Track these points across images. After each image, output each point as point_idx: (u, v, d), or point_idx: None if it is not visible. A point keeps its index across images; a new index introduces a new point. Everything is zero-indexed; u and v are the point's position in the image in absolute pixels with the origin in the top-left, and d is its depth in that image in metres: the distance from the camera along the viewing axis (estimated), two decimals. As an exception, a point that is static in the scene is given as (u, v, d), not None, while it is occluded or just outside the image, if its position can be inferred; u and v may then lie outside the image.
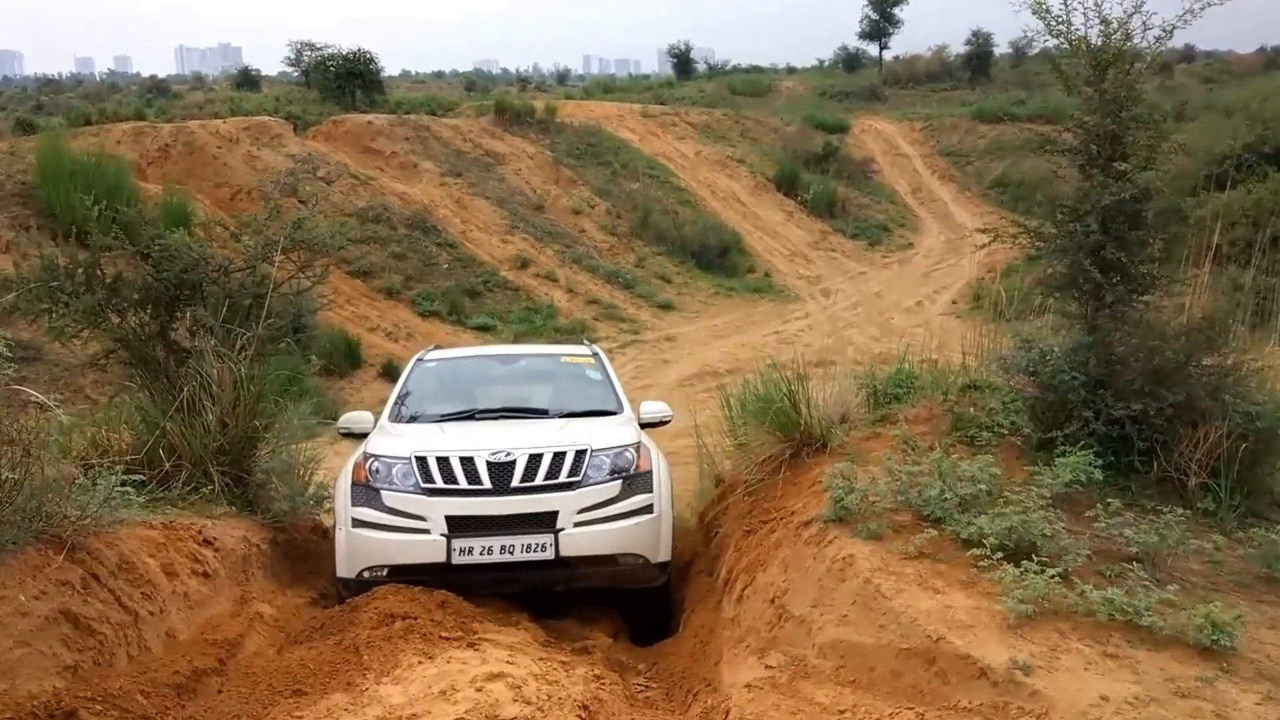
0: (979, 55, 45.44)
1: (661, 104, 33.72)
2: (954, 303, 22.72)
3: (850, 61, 51.28)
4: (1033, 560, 3.94)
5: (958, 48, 46.95)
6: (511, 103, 28.16)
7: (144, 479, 5.84)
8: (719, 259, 23.16)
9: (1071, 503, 4.55)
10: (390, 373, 17.00)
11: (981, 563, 4.09)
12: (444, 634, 4.81)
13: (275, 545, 6.01)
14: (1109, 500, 4.42)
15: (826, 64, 55.89)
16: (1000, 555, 4.08)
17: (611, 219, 23.81)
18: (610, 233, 23.38)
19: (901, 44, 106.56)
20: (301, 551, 6.30)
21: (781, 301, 22.22)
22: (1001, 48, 46.92)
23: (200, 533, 5.14)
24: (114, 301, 5.99)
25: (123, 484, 5.61)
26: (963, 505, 4.56)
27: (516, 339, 18.62)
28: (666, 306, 20.92)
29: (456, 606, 5.24)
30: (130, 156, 19.42)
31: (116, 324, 6.03)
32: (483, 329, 18.62)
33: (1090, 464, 4.60)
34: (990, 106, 35.15)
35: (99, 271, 5.90)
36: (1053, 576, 3.83)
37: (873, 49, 49.80)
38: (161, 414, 6.01)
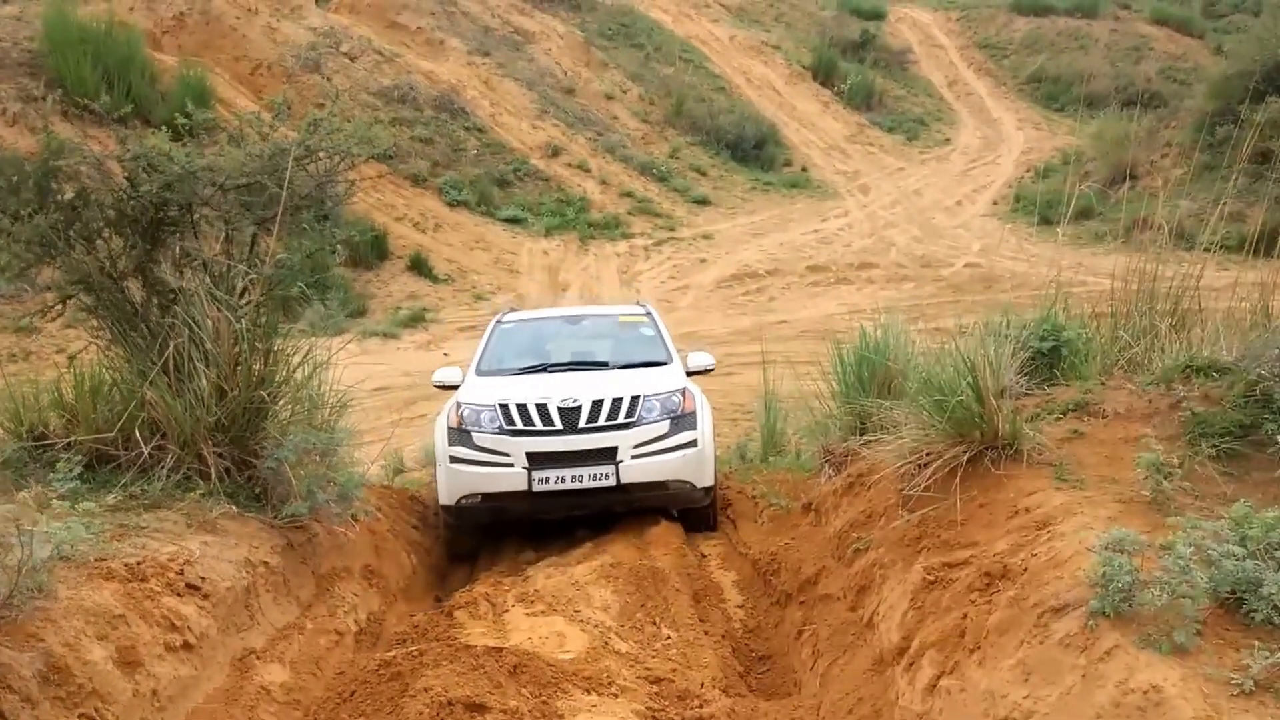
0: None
1: (692, -18, 30.65)
2: (994, 203, 20.90)
3: (880, -56, 47.14)
4: None
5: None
6: (540, -24, 25.30)
7: (116, 463, 4.30)
8: (755, 151, 21.01)
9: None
10: (418, 266, 15.29)
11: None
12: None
13: (291, 550, 4.40)
14: None
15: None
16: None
17: (644, 105, 21.51)
18: (643, 120, 21.14)
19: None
20: (326, 548, 4.71)
21: (820, 198, 20.20)
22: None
23: (181, 573, 3.49)
24: (75, 226, 4.22)
25: (79, 477, 4.05)
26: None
27: (548, 234, 16.78)
28: (702, 201, 18.94)
29: (533, 671, 3.75)
30: (143, 25, 17.21)
31: (84, 255, 4.27)
32: (512, 221, 16.72)
33: None
34: (1028, -3, 32.02)
35: (53, 185, 4.11)
36: None
37: (903, -69, 45.63)
38: (140, 377, 4.34)
